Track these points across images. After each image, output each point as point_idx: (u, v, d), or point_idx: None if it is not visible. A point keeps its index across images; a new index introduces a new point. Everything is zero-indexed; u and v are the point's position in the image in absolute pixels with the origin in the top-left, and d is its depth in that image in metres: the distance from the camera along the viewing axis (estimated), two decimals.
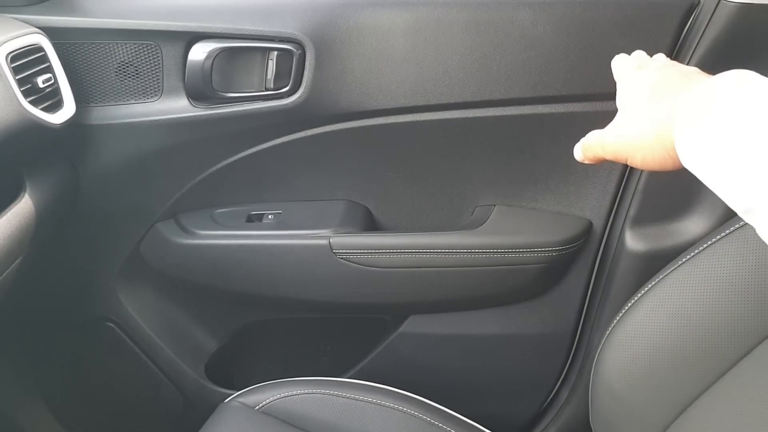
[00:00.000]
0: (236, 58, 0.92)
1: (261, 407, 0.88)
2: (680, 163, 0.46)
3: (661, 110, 0.49)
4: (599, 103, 0.88)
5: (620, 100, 0.57)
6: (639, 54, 0.67)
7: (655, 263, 0.83)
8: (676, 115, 0.45)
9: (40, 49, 0.85)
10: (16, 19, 0.87)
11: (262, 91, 0.93)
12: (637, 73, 0.57)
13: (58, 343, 1.18)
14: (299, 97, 0.91)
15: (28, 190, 0.86)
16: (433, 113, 0.92)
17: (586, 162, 0.58)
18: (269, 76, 0.91)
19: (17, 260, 0.85)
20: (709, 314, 0.65)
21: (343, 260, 0.97)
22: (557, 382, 1.10)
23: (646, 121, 0.49)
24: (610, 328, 0.75)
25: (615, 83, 0.67)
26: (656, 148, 0.48)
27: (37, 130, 0.82)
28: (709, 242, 0.67)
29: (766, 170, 0.37)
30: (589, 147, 0.56)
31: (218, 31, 0.90)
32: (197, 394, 1.17)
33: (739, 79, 0.42)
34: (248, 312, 1.16)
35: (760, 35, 0.77)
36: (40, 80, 0.82)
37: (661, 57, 0.66)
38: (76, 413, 1.24)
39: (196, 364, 1.16)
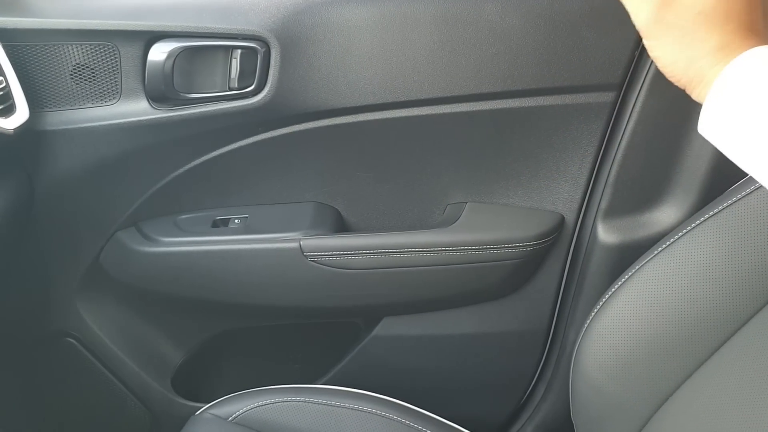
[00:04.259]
0: (198, 57, 0.90)
1: (234, 418, 0.85)
2: (691, 88, 0.46)
3: (702, 51, 0.45)
4: (569, 96, 0.88)
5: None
6: None
7: (627, 255, 0.84)
8: (707, 82, 0.44)
9: None
10: None
11: (226, 90, 0.90)
12: None
13: (14, 361, 1.13)
14: (264, 96, 0.89)
15: None
16: (401, 110, 0.91)
17: None
18: (233, 76, 0.89)
19: None
20: (687, 302, 0.66)
21: (314, 263, 0.95)
22: (533, 379, 1.10)
23: (685, 52, 0.45)
24: (588, 321, 0.75)
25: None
26: (682, 77, 0.46)
27: None
28: (684, 231, 0.68)
29: None
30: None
31: (179, 30, 0.88)
32: (164, 409, 1.13)
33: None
34: (216, 321, 1.13)
35: None
36: None
37: None
38: None
39: (162, 378, 1.13)
